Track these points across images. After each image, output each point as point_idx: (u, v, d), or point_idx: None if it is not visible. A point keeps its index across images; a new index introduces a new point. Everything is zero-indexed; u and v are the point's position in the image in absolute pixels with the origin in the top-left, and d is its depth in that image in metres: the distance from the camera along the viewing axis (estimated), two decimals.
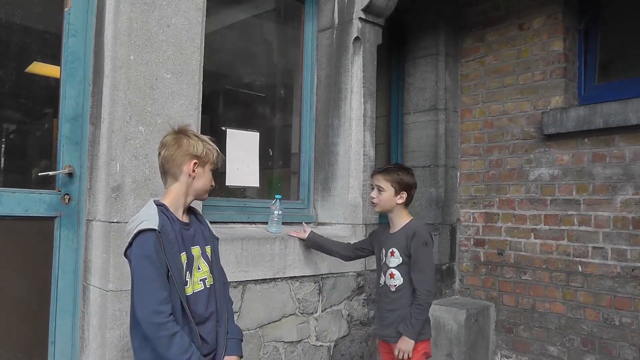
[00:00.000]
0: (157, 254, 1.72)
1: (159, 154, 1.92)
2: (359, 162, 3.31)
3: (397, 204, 2.57)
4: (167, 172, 1.90)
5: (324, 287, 3.08)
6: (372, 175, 2.69)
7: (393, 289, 2.55)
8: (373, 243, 2.77)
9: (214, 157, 1.94)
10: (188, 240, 1.88)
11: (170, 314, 1.73)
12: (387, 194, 2.56)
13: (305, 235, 2.91)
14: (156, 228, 1.73)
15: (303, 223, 3.08)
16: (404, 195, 2.57)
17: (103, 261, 2.25)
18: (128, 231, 1.80)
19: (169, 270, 1.74)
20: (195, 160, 1.88)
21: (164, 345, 1.70)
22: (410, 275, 2.50)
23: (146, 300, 1.71)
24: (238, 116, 3.39)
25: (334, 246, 2.88)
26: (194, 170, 1.87)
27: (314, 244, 2.91)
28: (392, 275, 2.56)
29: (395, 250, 2.56)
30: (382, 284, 2.63)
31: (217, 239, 2.06)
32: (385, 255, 2.61)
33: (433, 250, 2.57)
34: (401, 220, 2.61)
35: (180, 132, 1.92)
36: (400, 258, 2.54)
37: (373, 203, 2.64)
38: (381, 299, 2.66)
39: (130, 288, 1.81)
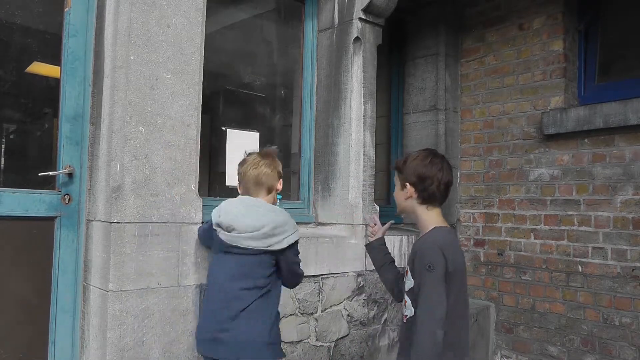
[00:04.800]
0: None
1: (253, 169, 2.26)
2: (359, 162, 3.31)
3: (405, 200, 1.94)
4: (262, 184, 2.26)
5: (323, 287, 3.07)
6: None
7: (405, 320, 1.91)
8: None
9: None
10: None
11: None
12: (397, 188, 1.98)
13: (377, 235, 2.24)
14: None
15: (374, 216, 2.43)
16: (409, 189, 1.90)
17: (103, 261, 2.25)
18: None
19: None
20: (281, 179, 2.34)
21: None
22: None
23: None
24: (238, 116, 3.39)
25: (390, 272, 2.18)
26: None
27: (373, 255, 2.27)
28: (404, 302, 1.90)
29: (408, 269, 1.89)
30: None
31: None
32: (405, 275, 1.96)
33: (440, 276, 1.77)
34: (422, 226, 1.93)
35: (269, 155, 2.33)
36: (412, 280, 1.85)
37: None
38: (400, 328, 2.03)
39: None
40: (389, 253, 2.27)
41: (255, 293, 2.12)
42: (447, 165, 1.92)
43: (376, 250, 2.25)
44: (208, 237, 2.31)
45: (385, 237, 3.50)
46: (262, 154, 2.33)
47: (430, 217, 1.91)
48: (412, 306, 1.84)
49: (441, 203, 1.94)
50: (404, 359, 1.88)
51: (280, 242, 2.15)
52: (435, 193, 1.88)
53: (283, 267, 2.22)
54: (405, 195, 1.92)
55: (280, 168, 2.33)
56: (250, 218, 2.13)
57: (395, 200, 2.01)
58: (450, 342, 1.81)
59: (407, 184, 1.90)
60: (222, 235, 2.15)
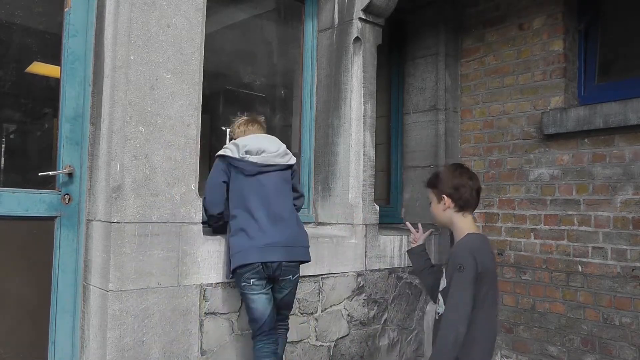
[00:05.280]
0: None
1: (251, 125, 2.68)
2: (359, 162, 3.31)
3: (444, 211, 2.15)
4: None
5: (323, 287, 3.08)
6: None
7: (437, 317, 2.12)
8: None
9: None
10: None
11: None
12: (433, 204, 2.19)
13: (418, 242, 2.50)
14: None
15: (419, 224, 2.64)
16: (446, 199, 2.12)
17: (103, 261, 2.25)
18: None
19: None
20: None
21: None
22: None
23: None
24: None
25: (431, 276, 2.39)
26: None
27: (414, 260, 2.50)
28: (438, 301, 2.14)
29: (444, 270, 2.13)
30: None
31: None
32: None
33: (470, 278, 1.95)
34: (458, 233, 2.13)
35: (259, 121, 2.77)
36: (445, 281, 2.07)
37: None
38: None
39: None
40: (429, 259, 2.51)
41: (292, 205, 2.59)
42: (474, 175, 2.18)
43: (417, 255, 2.49)
44: (232, 169, 2.49)
45: (386, 237, 3.54)
46: (252, 118, 2.72)
47: (465, 224, 2.12)
48: (444, 304, 2.03)
49: (474, 209, 2.17)
50: None
51: (291, 158, 2.62)
52: (469, 200, 2.12)
53: (295, 183, 2.68)
54: (443, 207, 2.15)
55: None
56: (269, 142, 2.56)
57: (433, 214, 2.22)
58: (476, 339, 1.98)
59: (444, 195, 2.13)
60: (254, 158, 2.49)
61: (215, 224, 2.60)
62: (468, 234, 2.09)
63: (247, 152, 2.49)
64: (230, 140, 2.71)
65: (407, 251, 2.60)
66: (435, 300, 2.25)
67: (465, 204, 2.11)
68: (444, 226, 2.25)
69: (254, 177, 2.48)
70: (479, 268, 1.96)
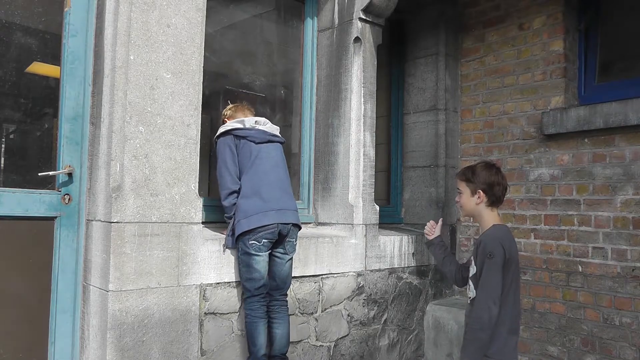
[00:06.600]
0: None
1: (245, 109, 2.83)
2: (359, 162, 3.31)
3: (476, 204, 2.31)
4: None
5: (323, 287, 3.08)
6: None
7: (469, 301, 2.31)
8: None
9: None
10: None
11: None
12: (465, 196, 2.34)
13: (435, 233, 2.65)
14: None
15: (432, 221, 2.72)
16: (481, 194, 2.29)
17: (103, 261, 2.25)
18: None
19: None
20: None
21: None
22: None
23: None
24: None
25: (452, 264, 2.57)
26: None
27: (434, 250, 2.66)
28: (469, 286, 2.34)
29: (472, 258, 2.33)
30: None
31: None
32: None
33: (499, 264, 2.16)
34: (484, 224, 2.33)
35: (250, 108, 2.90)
36: (475, 268, 2.27)
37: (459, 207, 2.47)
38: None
39: None
40: (448, 248, 2.67)
41: (289, 177, 2.79)
42: (504, 174, 2.38)
43: (437, 246, 2.64)
44: (240, 141, 2.63)
45: (386, 237, 3.54)
46: (242, 105, 2.85)
47: (492, 217, 2.32)
48: (474, 289, 2.24)
49: (500, 204, 2.36)
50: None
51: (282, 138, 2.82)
52: (500, 197, 2.32)
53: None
54: (476, 201, 2.31)
55: None
56: (268, 122, 2.76)
57: (464, 205, 2.37)
58: (504, 318, 2.18)
59: (480, 191, 2.29)
60: (264, 127, 2.69)
61: (231, 205, 2.60)
62: (494, 225, 2.29)
63: (256, 123, 2.68)
64: (223, 123, 2.80)
65: (425, 243, 2.81)
66: (459, 285, 2.55)
67: (496, 200, 2.31)
68: (469, 216, 2.45)
69: (264, 145, 2.66)
70: (506, 255, 2.18)
